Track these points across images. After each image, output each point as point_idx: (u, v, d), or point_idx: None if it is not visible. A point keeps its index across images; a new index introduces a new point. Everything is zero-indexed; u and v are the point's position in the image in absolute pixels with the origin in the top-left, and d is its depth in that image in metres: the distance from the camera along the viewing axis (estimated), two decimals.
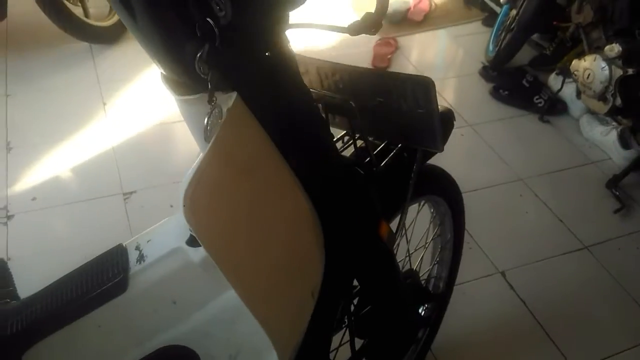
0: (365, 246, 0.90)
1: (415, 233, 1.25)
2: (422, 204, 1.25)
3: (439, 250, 1.40)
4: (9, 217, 1.72)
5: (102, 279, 0.78)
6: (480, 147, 2.30)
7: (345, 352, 1.12)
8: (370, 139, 0.95)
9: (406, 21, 3.04)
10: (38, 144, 2.07)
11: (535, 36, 2.86)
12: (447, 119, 1.00)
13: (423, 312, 1.41)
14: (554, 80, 2.60)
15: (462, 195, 1.31)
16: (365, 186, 0.87)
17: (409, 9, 3.05)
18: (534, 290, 1.75)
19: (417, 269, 1.29)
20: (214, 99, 0.61)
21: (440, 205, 1.29)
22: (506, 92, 2.58)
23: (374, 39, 2.79)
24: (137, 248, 0.80)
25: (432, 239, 1.37)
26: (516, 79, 2.61)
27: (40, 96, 2.31)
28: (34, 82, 2.39)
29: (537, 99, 2.52)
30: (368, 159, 0.92)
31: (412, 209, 1.13)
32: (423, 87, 0.85)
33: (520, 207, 2.06)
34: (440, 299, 1.43)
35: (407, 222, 1.08)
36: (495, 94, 2.60)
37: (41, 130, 2.14)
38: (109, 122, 2.23)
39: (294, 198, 0.69)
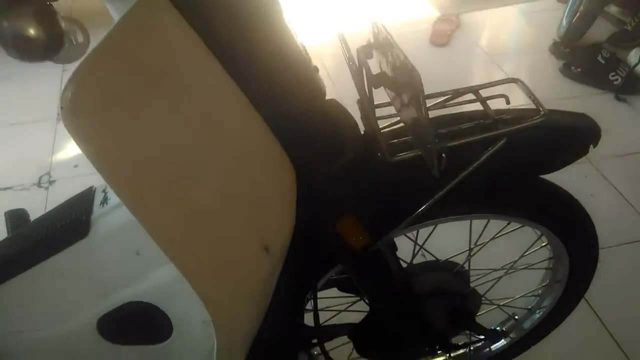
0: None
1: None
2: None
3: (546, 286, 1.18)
4: (50, 182, 1.75)
5: (65, 222, 0.73)
6: None
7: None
8: None
9: None
10: None
11: (615, 11, 2.61)
12: None
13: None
14: (634, 57, 2.35)
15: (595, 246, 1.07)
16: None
17: None
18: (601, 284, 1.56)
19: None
20: None
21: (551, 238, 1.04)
22: (579, 69, 2.36)
23: (434, 15, 2.65)
24: (104, 190, 0.75)
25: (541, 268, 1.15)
26: (590, 56, 2.37)
27: None
28: None
29: (613, 76, 2.28)
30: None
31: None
32: None
33: (584, 189, 1.86)
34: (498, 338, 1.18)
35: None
36: (567, 71, 2.38)
37: None
38: None
39: (250, 128, 0.60)
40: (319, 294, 1.04)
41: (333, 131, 0.72)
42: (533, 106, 0.80)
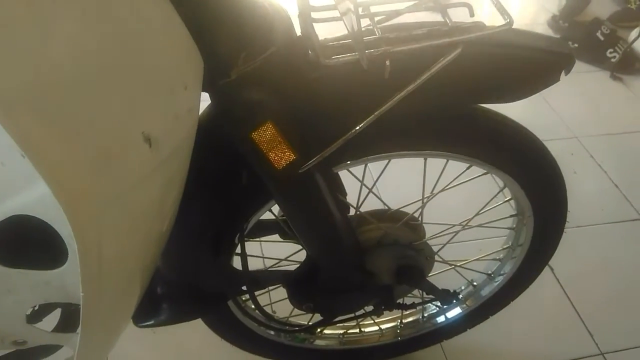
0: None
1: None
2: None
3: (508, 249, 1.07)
4: None
5: None
6: (532, 99, 1.99)
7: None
8: None
9: None
10: None
11: None
12: None
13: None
14: (635, 37, 2.23)
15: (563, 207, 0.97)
16: None
17: None
18: (572, 261, 1.46)
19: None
20: None
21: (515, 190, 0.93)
22: (576, 45, 2.23)
23: None
24: None
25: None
26: (589, 31, 2.25)
27: None
28: None
29: (610, 53, 2.16)
30: None
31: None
32: None
33: (568, 165, 1.75)
34: (447, 300, 1.02)
35: None
36: None
37: None
38: None
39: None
40: (263, 244, 0.94)
41: (251, 15, 0.60)
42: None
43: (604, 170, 1.75)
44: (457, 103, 0.75)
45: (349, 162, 0.81)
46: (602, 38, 2.22)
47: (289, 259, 1.00)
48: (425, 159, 0.85)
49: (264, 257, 1.05)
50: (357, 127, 0.67)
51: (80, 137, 0.46)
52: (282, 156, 0.66)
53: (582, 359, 1.27)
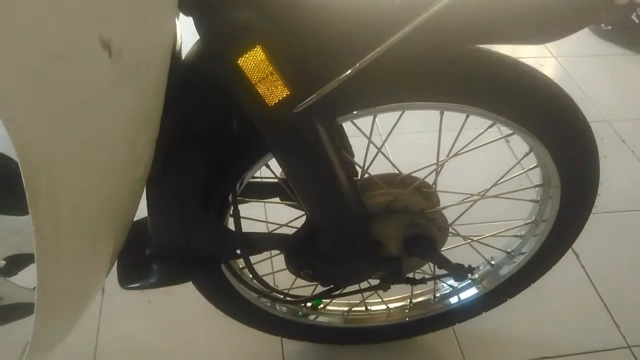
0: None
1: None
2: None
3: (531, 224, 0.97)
4: None
5: None
6: (561, 80, 1.88)
7: None
8: None
9: None
10: None
11: None
12: None
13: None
14: None
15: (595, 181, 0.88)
16: None
17: None
18: (599, 249, 1.36)
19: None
20: None
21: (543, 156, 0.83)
22: (609, 27, 2.12)
23: None
24: None
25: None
26: (624, 14, 2.13)
27: None
28: None
29: None
30: None
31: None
32: None
33: (598, 149, 1.64)
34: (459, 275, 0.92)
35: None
36: (596, 28, 2.15)
37: None
38: None
39: None
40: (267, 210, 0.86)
41: None
42: None
43: (637, 156, 1.64)
44: (476, 40, 0.66)
45: (355, 112, 0.73)
46: (637, 21, 2.10)
47: (290, 224, 0.93)
48: (442, 113, 0.76)
49: (262, 221, 0.97)
50: (362, 61, 0.58)
51: (21, 37, 0.39)
52: (273, 90, 0.58)
53: (608, 351, 1.17)
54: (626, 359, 1.16)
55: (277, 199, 0.89)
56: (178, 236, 0.82)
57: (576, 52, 2.03)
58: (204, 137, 0.70)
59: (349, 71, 0.59)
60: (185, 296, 0.95)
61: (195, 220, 0.79)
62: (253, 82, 0.57)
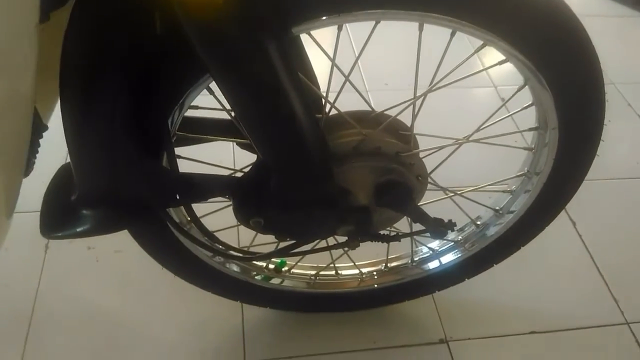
0: None
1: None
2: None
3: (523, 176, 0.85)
4: None
5: None
6: None
7: None
8: None
9: None
10: None
11: None
12: None
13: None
14: None
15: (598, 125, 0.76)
16: None
17: None
18: (598, 217, 1.24)
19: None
20: None
21: (532, 79, 0.69)
22: None
23: None
24: None
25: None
26: None
27: None
28: None
29: None
30: None
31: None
32: None
33: None
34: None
35: None
36: None
37: None
38: None
39: None
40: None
41: None
42: None
43: None
44: None
45: (313, 20, 0.59)
46: None
47: (245, 170, 0.80)
48: (422, 27, 0.63)
49: (210, 164, 0.83)
50: None
51: None
52: None
53: (604, 327, 1.06)
54: (624, 337, 1.05)
55: (228, 137, 0.76)
56: (104, 177, 0.69)
57: (582, 11, 1.88)
58: (119, 46, 0.56)
59: None
60: (138, 254, 0.83)
61: (123, 157, 0.66)
62: None
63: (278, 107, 0.61)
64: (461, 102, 0.94)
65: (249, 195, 0.71)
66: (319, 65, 0.73)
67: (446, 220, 0.78)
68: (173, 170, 0.68)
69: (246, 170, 0.77)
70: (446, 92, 0.78)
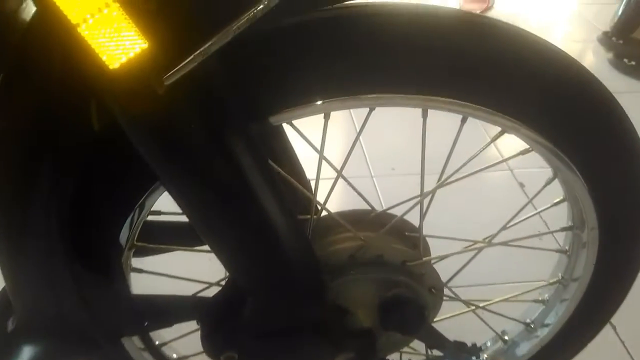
0: None
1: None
2: None
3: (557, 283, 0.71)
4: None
5: None
6: None
7: None
8: None
9: None
10: None
11: None
12: None
13: None
14: None
15: None
16: None
17: None
18: (636, 318, 1.08)
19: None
20: None
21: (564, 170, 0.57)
22: (632, 62, 1.93)
23: None
24: None
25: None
26: None
27: None
28: None
29: None
30: None
31: None
32: None
33: None
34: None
35: None
36: (618, 63, 1.96)
37: None
38: None
39: None
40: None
41: None
42: None
43: None
44: None
45: (294, 107, 0.48)
46: None
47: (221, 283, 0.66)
48: (425, 113, 0.51)
49: (180, 279, 0.70)
50: None
51: None
52: (116, 39, 0.33)
53: None
54: None
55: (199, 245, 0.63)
56: (45, 304, 0.56)
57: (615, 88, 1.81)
58: (47, 143, 0.45)
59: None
60: None
61: (63, 280, 0.53)
62: (75, 24, 0.32)
63: (245, 213, 0.48)
64: (475, 192, 0.81)
65: (219, 322, 0.57)
66: (309, 153, 0.61)
67: (469, 344, 0.63)
68: (125, 294, 0.55)
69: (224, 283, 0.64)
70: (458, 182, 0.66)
